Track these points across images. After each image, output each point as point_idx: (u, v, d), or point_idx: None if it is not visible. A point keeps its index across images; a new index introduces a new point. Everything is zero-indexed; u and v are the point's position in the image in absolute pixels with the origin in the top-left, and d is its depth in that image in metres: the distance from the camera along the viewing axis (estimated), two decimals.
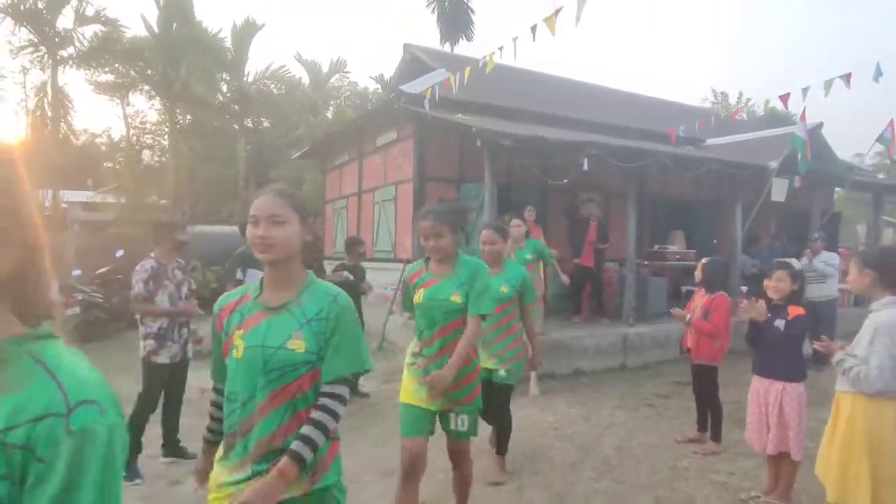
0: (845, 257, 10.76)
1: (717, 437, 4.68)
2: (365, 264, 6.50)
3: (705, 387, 4.75)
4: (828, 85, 6.78)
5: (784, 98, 7.35)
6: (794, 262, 4.07)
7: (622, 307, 8.20)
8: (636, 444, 4.81)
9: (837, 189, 11.80)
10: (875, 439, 2.69)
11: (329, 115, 23.48)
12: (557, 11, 4.50)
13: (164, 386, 4.32)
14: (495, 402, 3.69)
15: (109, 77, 18.60)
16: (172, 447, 4.38)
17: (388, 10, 72.98)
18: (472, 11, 21.59)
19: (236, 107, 17.81)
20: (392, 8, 71.65)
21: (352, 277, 5.86)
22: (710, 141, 11.20)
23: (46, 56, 13.67)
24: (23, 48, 13.12)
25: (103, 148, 30.07)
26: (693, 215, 10.70)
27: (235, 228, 6.92)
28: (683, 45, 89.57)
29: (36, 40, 13.44)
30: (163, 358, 4.22)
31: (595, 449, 4.64)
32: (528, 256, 5.68)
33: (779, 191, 9.33)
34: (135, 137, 27.05)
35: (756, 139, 10.91)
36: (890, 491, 2.67)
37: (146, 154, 28.73)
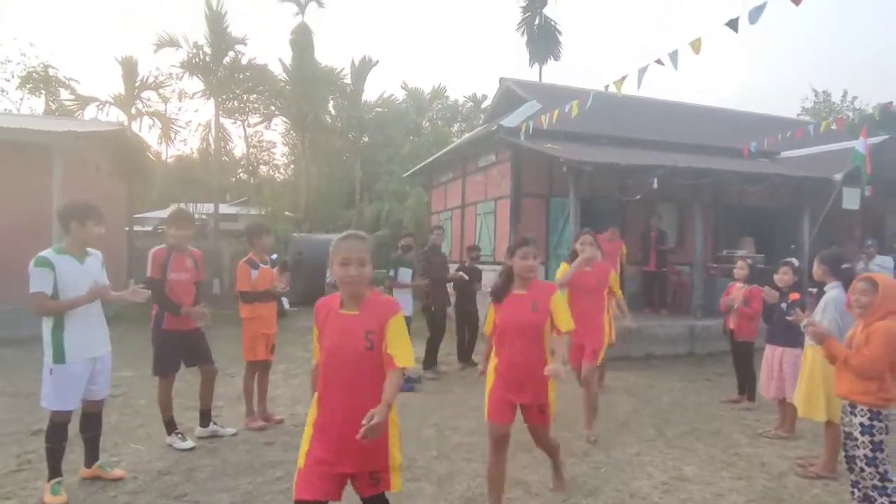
0: None
1: (752, 397, 6.06)
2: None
3: (744, 358, 6.14)
4: (876, 109, 7.78)
5: (840, 122, 8.35)
6: (794, 260, 5.39)
7: (693, 303, 9.52)
8: (688, 401, 6.29)
9: None
10: (827, 373, 4.11)
11: (424, 127, 25.85)
12: (624, 78, 6.11)
13: None
14: None
15: (233, 103, 21.89)
16: None
17: (479, 31, 75.65)
18: (560, 33, 23.16)
19: (353, 132, 20.57)
20: (483, 29, 74.32)
21: (466, 277, 7.76)
22: (784, 153, 12.01)
23: (211, 99, 17.00)
24: (195, 94, 16.55)
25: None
26: (766, 222, 11.60)
27: None
28: (786, 45, 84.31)
29: (203, 87, 16.81)
30: None
31: (653, 402, 6.19)
32: None
33: (850, 199, 10.13)
34: (252, 155, 31.07)
35: (831, 150, 11.58)
36: (836, 404, 4.07)
37: (262, 169, 32.83)
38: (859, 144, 8.98)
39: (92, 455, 3.86)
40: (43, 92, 18.19)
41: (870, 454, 3.10)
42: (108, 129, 12.32)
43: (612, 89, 6.31)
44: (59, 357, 3.50)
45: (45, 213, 10.53)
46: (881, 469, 3.07)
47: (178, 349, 4.51)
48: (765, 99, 60.10)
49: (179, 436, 4.51)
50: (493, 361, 3.34)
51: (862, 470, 3.17)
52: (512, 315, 3.23)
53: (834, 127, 9.84)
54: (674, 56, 5.37)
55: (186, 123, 32.46)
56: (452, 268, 8.54)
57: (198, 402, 4.80)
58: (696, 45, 4.99)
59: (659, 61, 5.59)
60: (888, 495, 3.02)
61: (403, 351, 2.25)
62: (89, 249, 3.73)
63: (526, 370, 3.17)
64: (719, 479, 4.07)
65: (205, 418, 4.76)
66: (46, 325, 3.53)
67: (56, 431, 3.57)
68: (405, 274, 6.98)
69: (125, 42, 47.64)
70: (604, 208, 9.85)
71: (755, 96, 64.25)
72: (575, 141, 10.24)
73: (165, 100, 19.68)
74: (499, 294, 3.32)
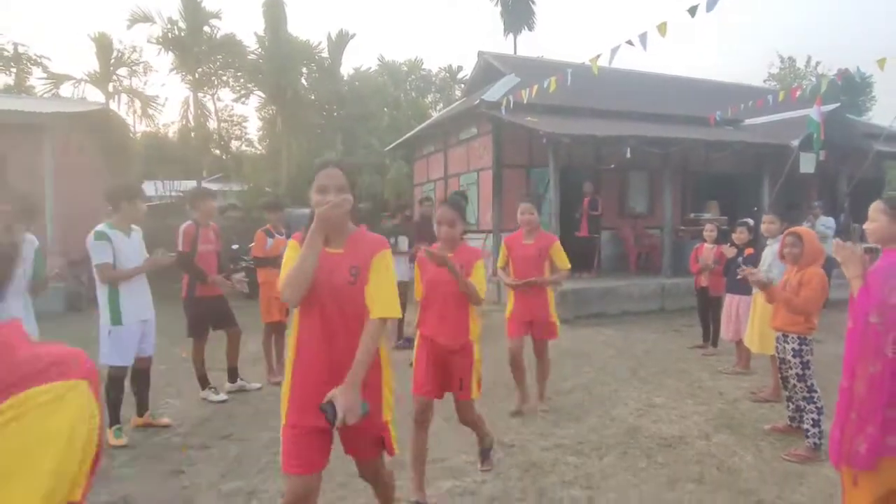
0: None
1: (715, 343, 6.83)
2: None
3: (715, 308, 6.81)
4: (824, 79, 8.47)
5: (794, 93, 9.06)
6: (749, 220, 6.12)
7: (663, 264, 10.30)
8: (659, 349, 7.05)
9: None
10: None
11: (401, 100, 25.92)
12: (598, 56, 6.64)
13: None
14: None
15: (210, 78, 21.81)
16: None
17: (453, 1, 74.38)
18: (534, 3, 23.40)
19: (331, 106, 20.70)
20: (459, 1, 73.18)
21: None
22: (748, 121, 12.74)
23: (187, 75, 16.96)
24: (170, 71, 16.47)
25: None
26: (730, 187, 12.41)
27: None
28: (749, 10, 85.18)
29: (179, 63, 16.74)
30: None
31: (628, 351, 6.93)
32: None
33: (807, 164, 10.94)
34: (224, 130, 30.81)
35: (790, 117, 12.36)
36: None
37: (234, 144, 32.61)
38: (814, 112, 9.72)
39: (142, 406, 4.39)
40: (13, 70, 17.84)
41: (800, 372, 3.82)
42: (94, 108, 12.38)
43: (588, 65, 6.84)
44: (117, 319, 4.00)
45: (37, 194, 10.72)
46: (808, 383, 3.80)
47: (209, 313, 5.02)
48: (744, 64, 62.00)
49: (213, 389, 5.05)
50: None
51: (794, 386, 3.90)
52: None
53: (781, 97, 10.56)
54: (643, 38, 5.92)
55: (154, 98, 32.06)
56: None
57: (215, 364, 5.32)
58: (661, 29, 5.53)
59: (629, 42, 6.14)
60: (814, 402, 3.76)
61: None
62: (133, 225, 4.20)
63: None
64: (684, 405, 4.81)
65: (232, 375, 5.30)
66: (102, 293, 4.01)
67: (115, 384, 4.08)
68: (403, 242, 7.52)
69: (91, 16, 46.02)
70: (581, 177, 10.47)
71: (733, 63, 65.93)
72: (553, 113, 10.77)
73: (133, 73, 19.53)
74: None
